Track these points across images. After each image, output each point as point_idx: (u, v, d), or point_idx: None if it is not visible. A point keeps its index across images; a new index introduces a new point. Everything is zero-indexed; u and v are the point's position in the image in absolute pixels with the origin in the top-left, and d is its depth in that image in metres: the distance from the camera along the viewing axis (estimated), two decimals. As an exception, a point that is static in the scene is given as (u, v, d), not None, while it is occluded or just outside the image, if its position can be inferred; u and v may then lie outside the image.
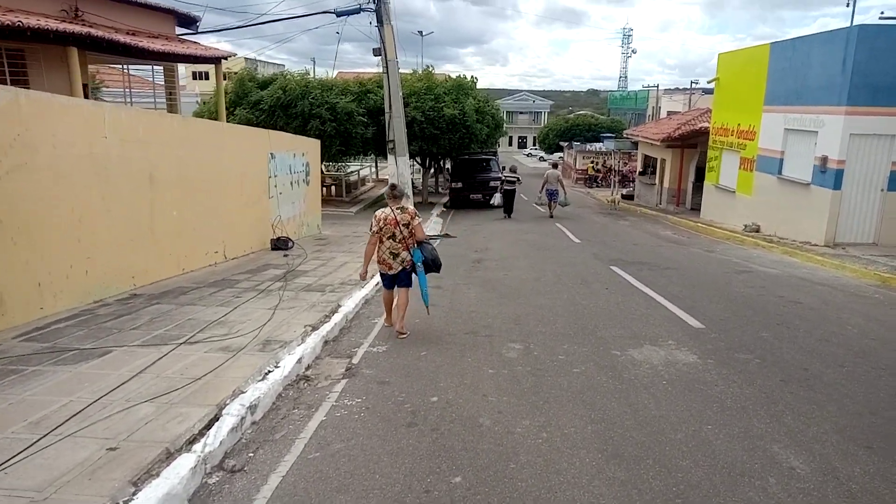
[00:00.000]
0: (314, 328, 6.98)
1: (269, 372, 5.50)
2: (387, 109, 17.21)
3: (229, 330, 6.67)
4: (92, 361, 5.51)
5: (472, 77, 26.44)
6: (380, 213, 7.06)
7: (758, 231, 17.31)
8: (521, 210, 24.21)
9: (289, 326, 6.94)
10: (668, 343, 6.86)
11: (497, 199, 22.52)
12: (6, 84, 10.83)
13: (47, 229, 6.97)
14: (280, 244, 13.13)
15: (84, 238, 7.55)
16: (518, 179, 22.61)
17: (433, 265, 7.19)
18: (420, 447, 4.36)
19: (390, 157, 17.36)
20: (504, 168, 26.07)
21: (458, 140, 23.60)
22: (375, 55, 17.42)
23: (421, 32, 56.41)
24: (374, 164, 37.67)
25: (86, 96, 12.93)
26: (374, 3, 16.92)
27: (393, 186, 7.29)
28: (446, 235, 17.35)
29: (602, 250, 14.21)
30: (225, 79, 23.16)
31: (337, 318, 7.58)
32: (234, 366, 5.52)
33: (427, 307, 7.57)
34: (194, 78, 53.92)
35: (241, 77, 22.64)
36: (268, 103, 21.22)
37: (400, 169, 17.23)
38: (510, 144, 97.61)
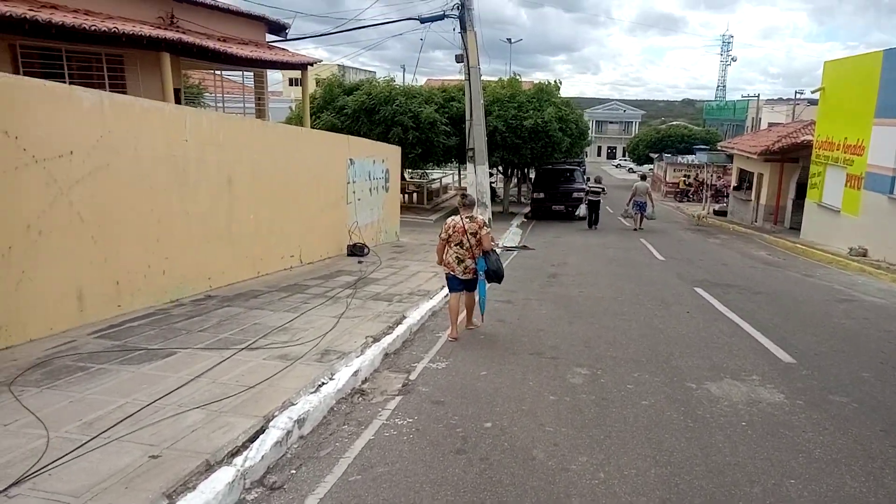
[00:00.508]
0: (375, 339, 6.86)
1: (323, 384, 5.39)
2: (467, 117, 17.08)
3: (291, 337, 6.64)
4: (155, 362, 5.58)
5: (555, 81, 25.93)
6: (450, 220, 7.33)
7: (864, 255, 15.96)
8: (605, 223, 23.50)
9: (350, 336, 6.84)
10: (752, 378, 6.29)
11: (582, 210, 22.89)
12: (105, 88, 11.42)
13: (127, 229, 7.20)
14: (356, 250, 13.20)
15: (163, 238, 7.76)
16: (603, 190, 22.73)
17: (494, 276, 7.32)
18: (466, 478, 4.10)
19: (469, 166, 17.22)
20: (589, 179, 25.56)
21: (540, 149, 23.18)
22: (458, 62, 17.34)
23: (510, 40, 56.07)
24: (457, 172, 37.68)
25: (178, 101, 13.46)
26: (458, 9, 16.85)
27: (463, 196, 7.47)
28: (524, 247, 17.01)
29: (687, 269, 13.47)
30: (316, 84, 23.84)
31: (400, 329, 7.43)
32: (290, 375, 5.45)
33: (482, 315, 7.85)
34: (290, 84, 55.89)
35: (330, 83, 23.13)
36: (352, 108, 21.54)
37: (478, 178, 17.04)
38: (598, 154, 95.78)
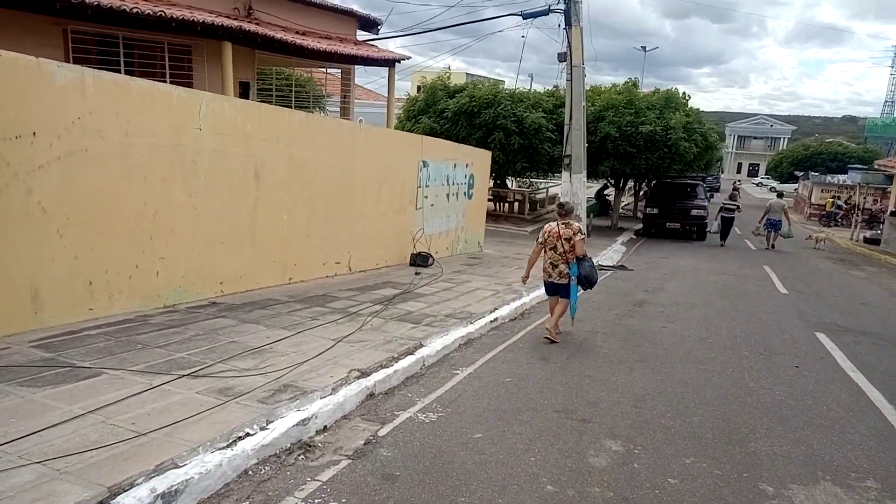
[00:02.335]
0: (363, 374, 5.53)
1: (244, 436, 4.14)
2: (567, 120, 15.38)
3: (258, 364, 5.47)
4: (64, 386, 4.59)
5: (684, 93, 23.40)
6: (547, 226, 7.70)
7: None
8: (729, 243, 20.78)
9: (332, 368, 5.57)
10: (866, 485, 4.32)
11: (714, 226, 21.16)
12: (166, 78, 11.01)
13: (108, 223, 6.37)
14: (419, 260, 11.99)
15: (158, 236, 6.90)
16: (738, 207, 21.26)
17: (587, 282, 7.57)
18: None
19: (565, 174, 15.50)
20: (710, 191, 23.19)
21: (656, 160, 20.84)
22: (560, 61, 15.69)
23: (644, 48, 52.66)
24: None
25: (245, 95, 12.94)
26: (564, 3, 15.22)
27: (561, 205, 7.84)
28: (621, 267, 15.04)
29: (814, 308, 11.03)
30: (418, 90, 22.95)
31: (406, 362, 6.06)
32: (209, 419, 4.26)
33: (572, 320, 7.98)
34: (417, 91, 56.00)
35: (433, 85, 22.14)
36: (452, 111, 20.43)
37: (574, 188, 15.30)
38: (738, 171, 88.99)
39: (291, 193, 8.80)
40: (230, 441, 4.04)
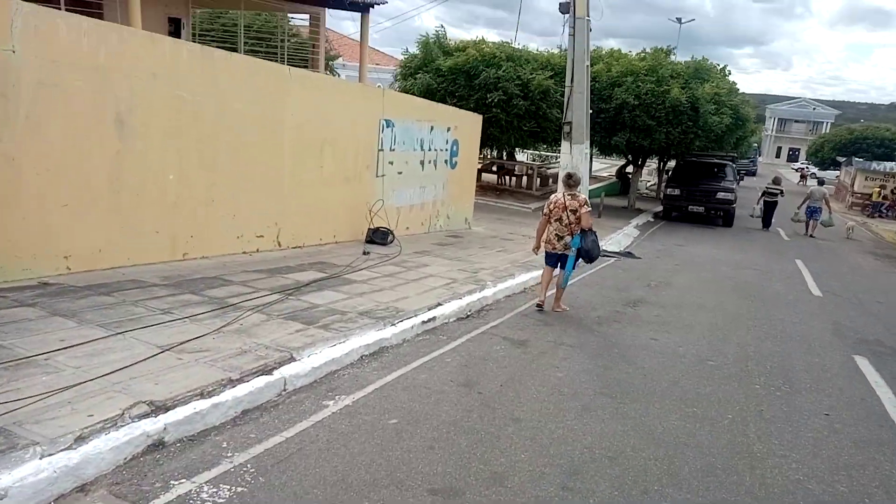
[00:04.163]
0: (157, 409, 3.64)
1: None
2: (567, 82, 13.15)
3: (-8, 389, 3.61)
4: None
5: (724, 66, 20.80)
6: (553, 197, 7.55)
7: None
8: (760, 234, 18.45)
9: (111, 397, 3.67)
10: None
11: (757, 210, 19.97)
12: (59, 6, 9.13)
13: None
14: (377, 237, 10.06)
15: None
16: (781, 192, 20.12)
17: (586, 255, 7.39)
18: None
19: (564, 144, 13.32)
20: (737, 172, 20.96)
21: (678, 135, 18.46)
22: (562, 12, 13.38)
23: (679, 20, 48.96)
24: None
25: (177, 34, 11.00)
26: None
27: (569, 175, 7.53)
28: (627, 254, 12.93)
29: (853, 317, 8.84)
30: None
31: (248, 387, 4.17)
32: None
33: (563, 289, 7.57)
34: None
35: (426, 41, 19.93)
36: (448, 67, 18.30)
37: (575, 159, 13.11)
38: (777, 156, 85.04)
39: (181, 148, 6.90)
40: None
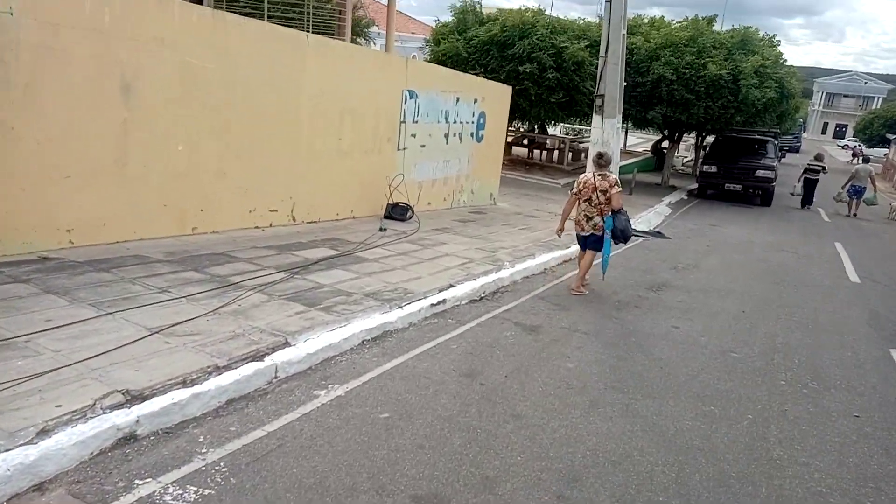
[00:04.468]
0: (133, 399, 3.48)
1: None
2: (602, 52, 12.60)
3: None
4: None
5: (772, 36, 19.77)
6: (582, 176, 7.42)
7: None
8: (800, 215, 17.74)
9: (86, 385, 3.52)
10: None
11: (797, 187, 19.34)
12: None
13: None
14: (395, 212, 9.83)
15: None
16: (824, 169, 19.29)
17: (621, 235, 7.23)
18: None
19: (595, 118, 12.82)
20: (778, 149, 20.14)
21: (718, 109, 17.68)
22: (599, -24, 12.81)
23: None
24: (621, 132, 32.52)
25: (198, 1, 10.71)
26: None
27: (600, 154, 7.33)
28: (657, 234, 12.51)
29: (892, 307, 8.34)
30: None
31: (236, 374, 4.00)
32: None
33: (603, 274, 7.63)
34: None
35: (462, 9, 19.37)
36: (481, 39, 17.78)
37: (606, 134, 12.64)
38: (823, 132, 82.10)
39: (190, 117, 6.72)
40: None
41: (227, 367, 4.06)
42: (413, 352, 5.03)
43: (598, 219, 7.12)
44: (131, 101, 6.10)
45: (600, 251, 7.27)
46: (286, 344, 4.55)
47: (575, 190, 7.30)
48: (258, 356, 4.29)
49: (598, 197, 7.06)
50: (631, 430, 4.07)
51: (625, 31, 12.61)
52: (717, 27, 19.57)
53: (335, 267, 6.68)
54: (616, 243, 7.40)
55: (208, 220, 7.22)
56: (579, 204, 7.26)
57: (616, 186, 7.07)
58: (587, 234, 7.20)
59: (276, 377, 4.25)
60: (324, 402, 4.01)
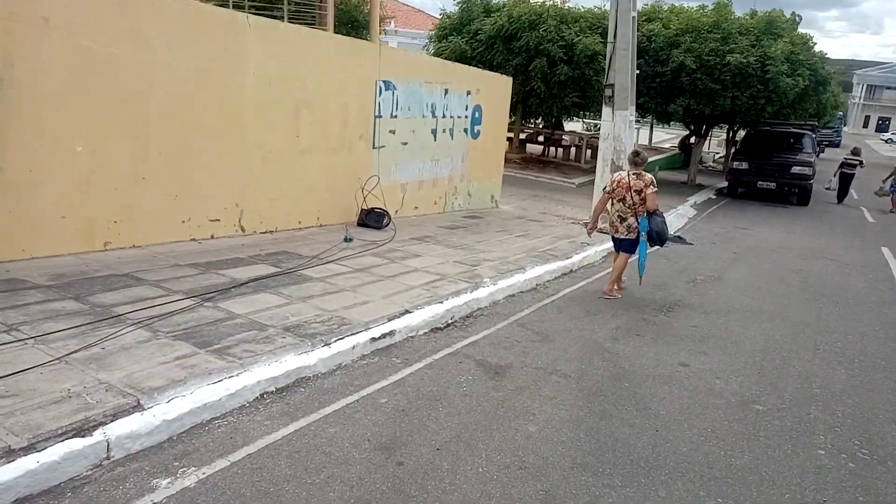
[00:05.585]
0: None
1: None
2: (610, 38, 11.23)
3: None
4: None
5: (793, 15, 18.22)
6: (616, 175, 7.12)
7: None
8: (840, 213, 16.10)
9: None
10: None
11: (833, 182, 18.30)
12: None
13: None
14: (370, 219, 8.65)
15: None
16: (861, 163, 18.17)
17: (658, 238, 6.91)
18: None
19: (605, 110, 11.44)
20: (816, 144, 18.63)
21: (746, 100, 16.15)
22: (608, -47, 11.46)
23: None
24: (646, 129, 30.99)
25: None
26: None
27: (636, 153, 6.97)
28: (677, 239, 11.12)
29: (958, 330, 6.87)
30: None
31: (9, 471, 2.82)
32: None
33: (640, 277, 7.25)
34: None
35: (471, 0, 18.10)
36: (487, 33, 16.51)
37: (617, 127, 11.26)
38: (865, 126, 78.65)
39: (90, 112, 5.59)
40: None
41: (28, 449, 2.90)
42: (325, 410, 3.82)
43: (632, 220, 6.80)
44: (5, 94, 5.00)
45: (634, 254, 6.95)
46: (136, 407, 3.38)
47: (608, 188, 7.04)
48: (85, 429, 3.12)
49: (632, 197, 6.73)
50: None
51: (635, 14, 11.22)
52: (737, 13, 17.98)
53: (265, 290, 5.50)
54: (651, 246, 7.07)
55: (126, 232, 6.11)
56: (613, 203, 6.97)
57: (651, 186, 6.70)
58: (622, 236, 6.88)
59: (107, 458, 3.08)
60: (156, 502, 2.82)
